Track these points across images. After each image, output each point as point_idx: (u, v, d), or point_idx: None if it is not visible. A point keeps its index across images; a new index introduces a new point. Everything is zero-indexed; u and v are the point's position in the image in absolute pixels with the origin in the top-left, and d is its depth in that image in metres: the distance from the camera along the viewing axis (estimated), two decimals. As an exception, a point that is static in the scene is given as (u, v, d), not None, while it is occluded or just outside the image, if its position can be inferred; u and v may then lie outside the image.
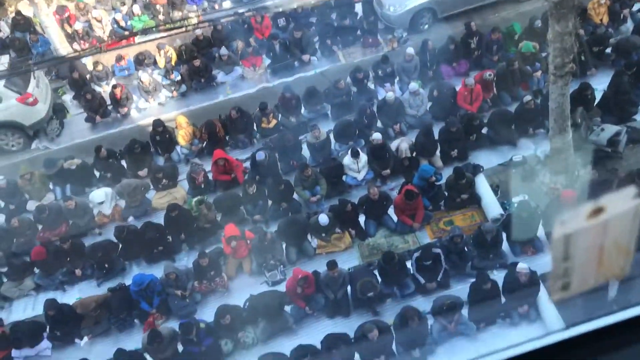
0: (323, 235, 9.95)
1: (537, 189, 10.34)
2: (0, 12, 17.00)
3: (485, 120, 11.28)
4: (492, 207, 10.12)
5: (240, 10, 14.99)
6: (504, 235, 9.43)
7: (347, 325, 8.80)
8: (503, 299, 8.69)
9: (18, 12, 16.36)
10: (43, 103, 13.43)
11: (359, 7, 14.93)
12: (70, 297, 10.12)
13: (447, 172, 10.49)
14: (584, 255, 1.38)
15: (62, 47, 15.07)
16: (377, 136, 10.77)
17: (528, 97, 11.01)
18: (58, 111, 13.97)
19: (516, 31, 12.88)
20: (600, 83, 11.61)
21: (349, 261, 9.83)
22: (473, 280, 8.77)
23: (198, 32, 14.36)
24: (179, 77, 13.84)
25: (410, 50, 12.55)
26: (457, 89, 11.82)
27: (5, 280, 10.45)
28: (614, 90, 11.19)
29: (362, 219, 10.26)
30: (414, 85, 11.81)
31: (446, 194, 10.32)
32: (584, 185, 9.79)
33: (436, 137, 11.02)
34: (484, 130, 11.25)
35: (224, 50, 13.91)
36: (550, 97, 9.57)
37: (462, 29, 13.02)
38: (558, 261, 1.39)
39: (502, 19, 13.84)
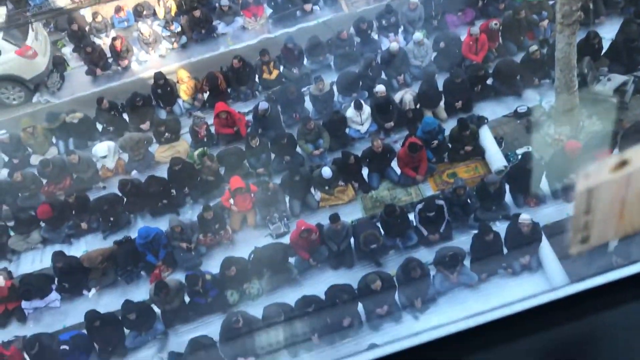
0: (326, 188, 9.97)
1: (542, 140, 10.28)
2: (-5, -38, 16.60)
3: (490, 71, 11.12)
4: (496, 158, 10.08)
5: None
6: (507, 187, 9.43)
7: (351, 277, 8.93)
8: (505, 250, 8.77)
9: (13, -38, 15.98)
10: (42, 56, 13.27)
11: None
12: (76, 249, 10.26)
13: (451, 124, 10.41)
14: (606, 208, 1.36)
15: (60, -2, 14.77)
16: (380, 88, 10.65)
17: (534, 47, 10.81)
18: (58, 64, 13.82)
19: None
20: (608, 32, 11.35)
21: (352, 214, 9.88)
22: (475, 231, 8.83)
23: (198, -20, 14.04)
24: (179, 29, 13.61)
25: (415, -3, 12.27)
26: (463, 38, 11.60)
27: (12, 233, 10.57)
28: (622, 39, 10.96)
29: (365, 171, 10.26)
30: (418, 35, 11.59)
31: (450, 145, 10.28)
32: (589, 136, 9.72)
33: (440, 88, 10.89)
34: (489, 81, 11.10)
35: (224, 0, 13.63)
36: (557, 46, 9.39)
37: None
38: (579, 214, 1.37)
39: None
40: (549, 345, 1.48)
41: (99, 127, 11.98)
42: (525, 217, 8.55)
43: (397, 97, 10.95)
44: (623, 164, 1.30)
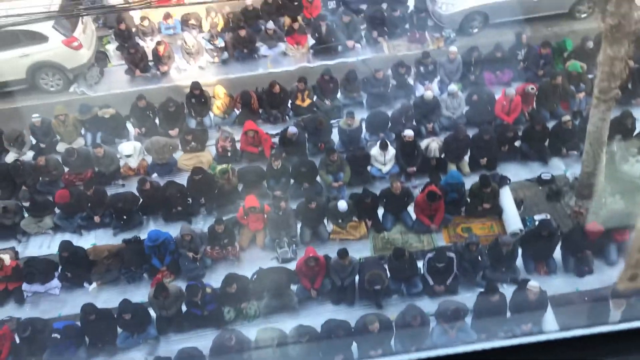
0: (340, 221, 9.99)
1: (562, 210, 10.24)
2: (59, -46, 17.18)
3: (519, 133, 11.15)
4: (512, 220, 10.03)
5: (293, -13, 14.95)
6: (520, 251, 9.36)
7: (350, 314, 8.86)
8: (509, 314, 8.65)
9: (76, -44, 16.54)
10: (87, 49, 13.64)
11: (411, 1, 14.82)
12: (85, 241, 10.34)
13: (473, 179, 10.41)
14: None
15: (114, -3, 15.22)
16: (408, 132, 10.73)
17: (567, 117, 10.84)
18: (100, 59, 14.18)
19: (567, 48, 12.65)
20: (643, 115, 11.38)
21: (361, 251, 9.86)
22: (482, 290, 8.75)
23: (248, 1, 14.39)
24: (222, 44, 13.91)
25: (454, 48, 12.44)
26: (497, 97, 11.68)
27: (26, 215, 10.70)
28: (656, 124, 10.95)
29: (380, 211, 10.27)
30: (453, 87, 11.70)
31: (468, 200, 10.26)
32: (610, 214, 9.65)
33: (468, 142, 10.92)
34: (517, 143, 11.12)
35: (270, 24, 13.94)
36: (590, 120, 9.42)
37: (512, 38, 12.83)
38: (635, 252, 1.41)
39: (554, 34, 13.62)
40: None
41: (129, 124, 12.18)
42: (533, 283, 8.45)
43: (423, 143, 11.01)
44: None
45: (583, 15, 14.16)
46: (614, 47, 8.48)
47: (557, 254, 9.41)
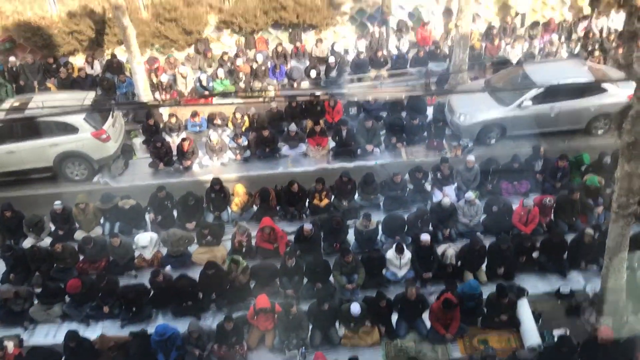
0: (352, 325, 9.73)
1: (581, 326, 9.89)
2: (98, 53, 18.29)
3: (537, 245, 11.03)
4: (530, 334, 9.69)
5: (317, 93, 15.62)
6: (539, 366, 8.97)
7: None
8: None
9: (113, 55, 17.58)
10: (114, 141, 14.12)
11: (430, 110, 15.29)
12: (92, 331, 10.15)
13: (489, 289, 10.19)
14: None
15: (145, 94, 15.96)
16: (425, 237, 10.67)
17: (590, 231, 10.68)
18: (126, 152, 14.64)
19: (585, 162, 12.78)
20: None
21: (372, 358, 9.51)
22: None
23: (273, 104, 14.97)
24: (245, 142, 14.32)
25: (472, 157, 12.64)
26: (514, 207, 11.69)
27: (35, 302, 10.61)
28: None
29: (394, 317, 10.01)
30: (470, 194, 11.77)
31: (485, 310, 9.99)
32: (632, 333, 9.29)
33: (484, 253, 10.80)
34: (535, 254, 10.97)
35: (293, 127, 14.40)
36: (609, 235, 9.32)
37: (529, 150, 13.03)
38: None
39: (571, 148, 13.81)
40: None
41: (147, 215, 12.33)
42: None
43: (439, 249, 10.92)
44: None
45: (600, 132, 14.42)
46: (632, 163, 8.55)
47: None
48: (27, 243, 11.85)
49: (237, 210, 12.37)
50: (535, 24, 18.33)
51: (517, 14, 19.02)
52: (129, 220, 12.15)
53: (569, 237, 11.08)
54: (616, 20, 17.69)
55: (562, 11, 19.06)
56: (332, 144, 14.40)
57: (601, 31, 17.89)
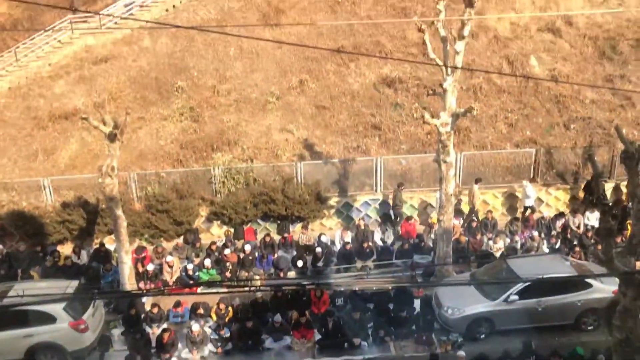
0: None
1: None
2: (86, 242, 18.44)
3: None
4: None
5: (303, 282, 15.56)
6: None
7: None
8: None
9: (102, 244, 17.70)
10: (92, 332, 13.60)
11: (417, 303, 15.12)
12: None
13: None
14: None
15: (130, 283, 15.75)
16: None
17: None
18: (103, 343, 14.02)
19: (579, 354, 12.36)
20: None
21: None
22: None
23: (258, 294, 14.78)
24: (228, 334, 13.86)
25: (462, 353, 12.31)
26: None
27: None
28: None
29: None
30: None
31: None
32: None
33: None
34: None
35: (278, 317, 14.07)
36: None
37: (520, 346, 12.67)
38: None
39: (562, 344, 13.43)
40: None
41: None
42: None
43: None
44: None
45: (589, 328, 14.18)
46: (626, 361, 8.29)
47: None
48: None
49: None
50: (514, 220, 18.98)
51: (526, 208, 19.35)
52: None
53: None
54: (592, 218, 18.44)
55: (540, 208, 19.86)
56: (317, 336, 13.95)
57: (578, 227, 18.53)
